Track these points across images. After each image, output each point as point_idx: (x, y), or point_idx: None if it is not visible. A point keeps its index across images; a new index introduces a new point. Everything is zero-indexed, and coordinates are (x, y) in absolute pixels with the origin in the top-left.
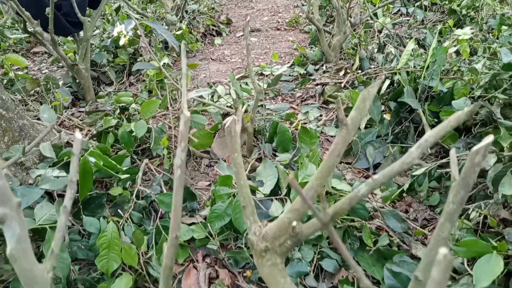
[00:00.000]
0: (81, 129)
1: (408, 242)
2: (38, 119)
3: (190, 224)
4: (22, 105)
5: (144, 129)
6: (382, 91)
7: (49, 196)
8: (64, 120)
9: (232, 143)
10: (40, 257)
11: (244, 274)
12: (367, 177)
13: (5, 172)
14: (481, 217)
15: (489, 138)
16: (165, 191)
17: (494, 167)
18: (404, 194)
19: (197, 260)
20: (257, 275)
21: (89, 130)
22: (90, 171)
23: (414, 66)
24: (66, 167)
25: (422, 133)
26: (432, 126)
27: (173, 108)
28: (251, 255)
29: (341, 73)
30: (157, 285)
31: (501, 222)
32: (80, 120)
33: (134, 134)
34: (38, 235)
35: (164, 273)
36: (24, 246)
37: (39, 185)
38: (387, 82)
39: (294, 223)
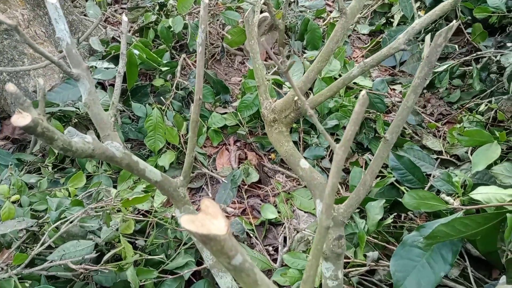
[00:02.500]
0: None
1: (420, 134)
2: (85, 15)
3: (223, 114)
4: (70, 1)
5: (181, 24)
6: None
7: (101, 85)
8: (109, 17)
9: (249, 31)
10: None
11: (269, 156)
12: (392, 75)
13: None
14: (492, 112)
15: (453, 23)
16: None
17: None
18: (425, 91)
19: (229, 144)
20: (279, 157)
21: (131, 26)
22: (136, 63)
23: None
24: (114, 60)
25: (456, 30)
26: (465, 24)
27: (208, 4)
28: None
29: None
30: (196, 162)
31: None
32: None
33: (172, 29)
34: None
35: (191, 125)
36: (93, 97)
37: (92, 76)
38: None
39: (296, 98)
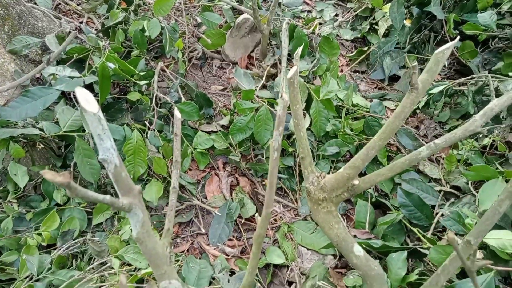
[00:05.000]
0: (79, 15)
1: None
2: (34, 2)
3: (209, 133)
4: None
5: (158, 29)
6: None
7: (64, 96)
8: (60, 3)
9: (294, 95)
10: (63, 163)
11: (263, 183)
12: (381, 89)
13: (13, 68)
14: (490, 140)
15: None
16: (183, 98)
17: None
18: (418, 111)
19: (217, 168)
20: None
21: (89, 18)
22: (109, 76)
23: None
24: (76, 64)
25: (441, 43)
26: (451, 38)
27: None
28: None
29: None
30: (184, 191)
31: (506, 145)
32: (77, 4)
33: (147, 34)
34: (63, 139)
35: (256, 241)
36: (147, 229)
37: (54, 86)
38: None
39: (356, 182)
